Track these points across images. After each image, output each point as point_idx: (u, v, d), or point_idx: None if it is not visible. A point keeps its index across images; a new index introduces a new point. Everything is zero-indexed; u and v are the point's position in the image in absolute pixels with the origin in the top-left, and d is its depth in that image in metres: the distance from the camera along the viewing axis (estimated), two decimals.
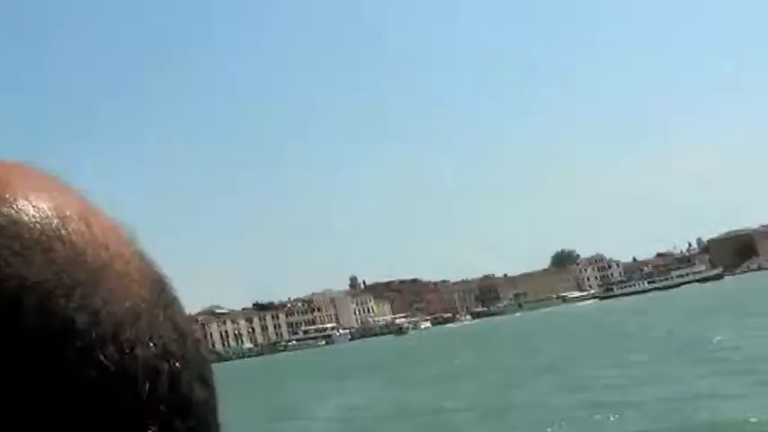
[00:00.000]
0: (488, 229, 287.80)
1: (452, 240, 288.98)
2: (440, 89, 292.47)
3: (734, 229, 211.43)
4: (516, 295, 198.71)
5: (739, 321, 42.05)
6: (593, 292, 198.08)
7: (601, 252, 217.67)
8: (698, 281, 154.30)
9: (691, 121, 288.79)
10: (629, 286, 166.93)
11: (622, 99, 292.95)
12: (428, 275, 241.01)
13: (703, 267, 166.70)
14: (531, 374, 30.77)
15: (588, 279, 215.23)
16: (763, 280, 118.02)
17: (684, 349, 31.46)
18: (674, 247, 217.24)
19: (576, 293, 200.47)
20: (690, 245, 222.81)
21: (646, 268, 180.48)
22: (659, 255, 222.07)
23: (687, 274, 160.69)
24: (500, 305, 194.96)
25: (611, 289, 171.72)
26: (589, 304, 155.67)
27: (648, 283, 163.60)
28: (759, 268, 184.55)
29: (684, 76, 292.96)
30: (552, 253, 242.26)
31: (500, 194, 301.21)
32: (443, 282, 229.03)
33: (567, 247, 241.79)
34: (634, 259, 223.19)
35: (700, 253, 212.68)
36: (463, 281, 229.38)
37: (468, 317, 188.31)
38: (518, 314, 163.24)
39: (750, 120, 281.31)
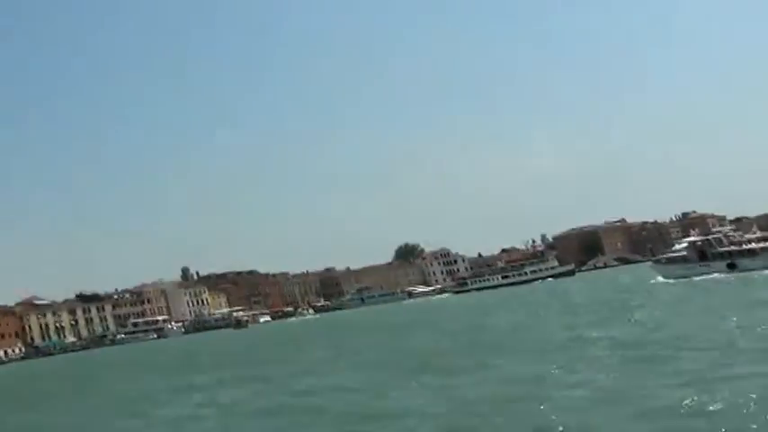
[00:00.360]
0: (331, 220, 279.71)
1: (292, 231, 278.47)
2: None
3: (579, 225, 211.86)
4: (359, 289, 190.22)
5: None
6: (439, 286, 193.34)
7: (446, 247, 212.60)
8: (551, 276, 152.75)
9: (544, 123, 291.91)
10: (485, 281, 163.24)
11: (479, 105, 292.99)
12: (266, 267, 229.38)
13: (556, 263, 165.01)
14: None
15: (434, 273, 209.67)
16: (606, 276, 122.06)
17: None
18: (527, 244, 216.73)
19: (422, 288, 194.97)
20: (533, 241, 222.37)
21: (500, 263, 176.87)
22: (504, 251, 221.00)
23: (540, 270, 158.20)
24: (343, 299, 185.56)
25: (466, 283, 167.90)
26: (445, 298, 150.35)
27: (503, 278, 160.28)
28: (605, 266, 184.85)
29: (541, 80, 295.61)
30: (396, 247, 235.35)
31: (346, 186, 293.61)
32: (283, 274, 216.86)
33: (411, 240, 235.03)
34: (479, 255, 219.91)
35: (546, 249, 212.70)
36: (304, 273, 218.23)
37: (311, 311, 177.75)
38: (361, 308, 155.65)
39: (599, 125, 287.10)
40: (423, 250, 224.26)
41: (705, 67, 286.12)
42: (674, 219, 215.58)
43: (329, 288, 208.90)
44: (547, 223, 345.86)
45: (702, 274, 63.94)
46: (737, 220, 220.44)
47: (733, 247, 66.79)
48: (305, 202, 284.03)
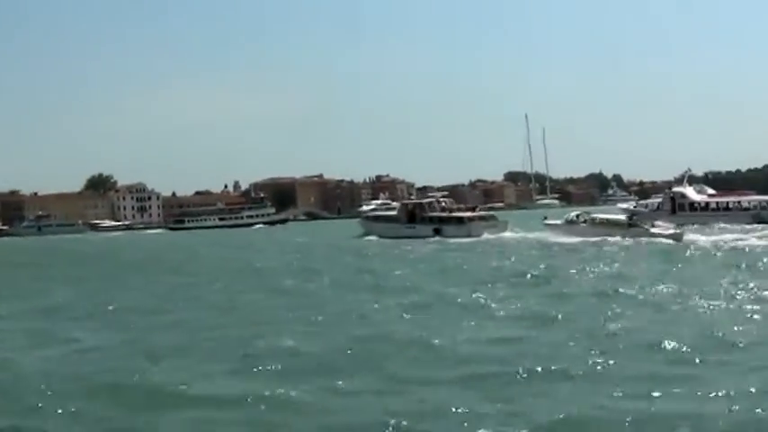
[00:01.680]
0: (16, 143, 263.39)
1: None
2: None
3: (277, 176, 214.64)
4: (38, 217, 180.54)
5: None
6: (127, 222, 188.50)
7: (143, 182, 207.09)
8: (267, 223, 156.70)
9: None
10: (202, 220, 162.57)
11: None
12: None
13: (273, 211, 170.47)
14: None
15: (125, 208, 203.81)
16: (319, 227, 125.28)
17: None
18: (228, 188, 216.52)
19: (109, 222, 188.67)
20: (225, 186, 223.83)
21: (220, 203, 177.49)
22: (198, 193, 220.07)
23: (258, 216, 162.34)
24: (20, 226, 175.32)
25: (183, 221, 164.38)
26: (158, 233, 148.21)
27: (220, 219, 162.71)
28: (294, 218, 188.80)
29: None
30: (89, 176, 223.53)
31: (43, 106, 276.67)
32: None
33: (107, 171, 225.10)
34: (173, 194, 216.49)
35: (241, 195, 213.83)
36: None
37: None
38: (34, 237, 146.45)
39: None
40: (116, 182, 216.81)
41: None
42: (367, 180, 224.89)
43: (10, 212, 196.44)
44: (241, 170, 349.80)
45: (411, 236, 64.83)
46: (423, 188, 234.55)
47: (443, 214, 68.93)
48: None
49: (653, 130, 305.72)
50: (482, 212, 72.04)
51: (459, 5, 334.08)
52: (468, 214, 68.75)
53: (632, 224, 53.20)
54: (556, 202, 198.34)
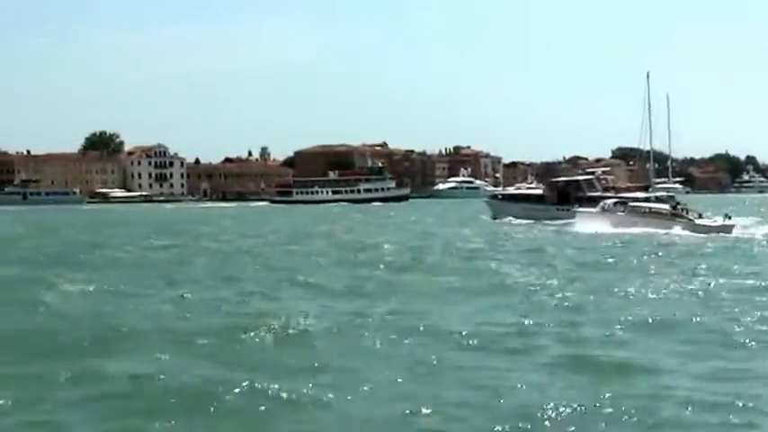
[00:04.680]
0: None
1: None
2: None
3: (328, 143, 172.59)
4: (24, 181, 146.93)
5: None
6: (145, 193, 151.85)
7: (164, 143, 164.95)
8: (385, 199, 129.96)
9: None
10: (313, 193, 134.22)
11: None
12: None
13: (393, 185, 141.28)
14: None
15: (140, 175, 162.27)
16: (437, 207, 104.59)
17: None
18: (265, 154, 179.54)
19: (120, 192, 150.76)
20: (250, 153, 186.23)
21: (332, 174, 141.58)
22: (228, 160, 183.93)
23: (376, 190, 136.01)
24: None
25: (290, 192, 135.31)
26: (262, 206, 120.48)
27: (333, 192, 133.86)
28: None
29: None
30: (87, 134, 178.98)
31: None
32: None
33: (111, 129, 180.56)
34: (197, 161, 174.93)
35: (282, 165, 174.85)
36: None
37: None
38: (16, 209, 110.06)
39: None
40: (122, 143, 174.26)
41: None
42: (443, 152, 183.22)
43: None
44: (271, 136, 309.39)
45: (558, 218, 57.28)
46: (512, 165, 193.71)
47: (609, 194, 58.82)
48: None
49: None
50: (659, 193, 56.93)
51: None
52: (643, 194, 55.87)
53: (676, 214, 46.65)
54: (679, 187, 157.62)
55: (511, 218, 62.49)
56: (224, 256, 31.34)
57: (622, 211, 49.76)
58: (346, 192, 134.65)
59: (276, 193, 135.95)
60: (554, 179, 73.32)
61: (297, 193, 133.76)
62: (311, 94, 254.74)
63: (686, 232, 43.38)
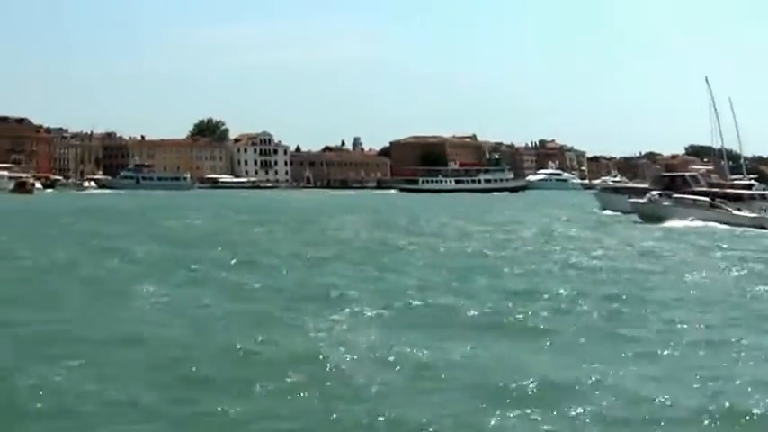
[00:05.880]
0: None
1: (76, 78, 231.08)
2: None
3: (421, 134, 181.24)
4: (138, 165, 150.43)
5: None
6: (253, 179, 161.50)
7: (269, 131, 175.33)
8: (505, 190, 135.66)
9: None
10: (437, 182, 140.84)
11: None
12: (41, 118, 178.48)
13: (511, 175, 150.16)
14: None
15: (246, 162, 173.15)
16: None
17: None
18: (358, 143, 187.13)
19: (229, 178, 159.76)
20: (343, 143, 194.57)
21: (453, 164, 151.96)
22: (328, 149, 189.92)
23: (495, 181, 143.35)
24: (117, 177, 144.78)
25: (416, 181, 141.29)
26: (392, 194, 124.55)
27: (456, 182, 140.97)
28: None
29: None
30: (195, 121, 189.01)
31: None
32: (60, 130, 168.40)
33: (216, 117, 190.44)
34: (297, 149, 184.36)
35: (379, 155, 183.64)
36: (85, 134, 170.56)
37: (93, 184, 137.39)
38: (130, 192, 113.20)
39: None
40: (227, 130, 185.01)
41: None
42: (529, 145, 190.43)
43: (113, 159, 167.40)
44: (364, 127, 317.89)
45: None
46: (595, 159, 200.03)
47: (715, 189, 57.82)
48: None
49: None
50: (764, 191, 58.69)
51: None
52: (749, 192, 57.04)
53: (714, 205, 48.42)
54: (756, 183, 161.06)
55: (619, 211, 62.46)
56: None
57: (667, 203, 50.58)
58: (468, 182, 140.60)
59: (404, 182, 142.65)
60: (662, 174, 76.44)
61: (423, 182, 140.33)
62: (402, 87, 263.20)
63: (746, 227, 44.02)
